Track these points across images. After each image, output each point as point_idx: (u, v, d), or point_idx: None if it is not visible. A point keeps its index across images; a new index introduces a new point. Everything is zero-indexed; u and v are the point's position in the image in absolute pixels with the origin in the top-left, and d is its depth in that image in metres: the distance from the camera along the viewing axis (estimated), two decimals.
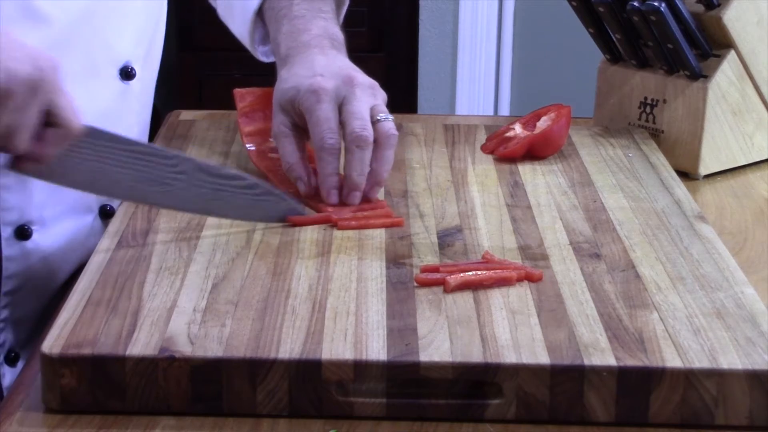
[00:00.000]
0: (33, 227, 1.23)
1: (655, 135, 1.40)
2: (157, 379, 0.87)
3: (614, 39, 1.43)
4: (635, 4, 1.35)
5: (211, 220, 1.10)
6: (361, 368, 0.86)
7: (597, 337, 0.90)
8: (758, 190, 1.35)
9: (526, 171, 1.27)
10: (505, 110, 3.32)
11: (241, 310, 0.94)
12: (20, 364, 1.25)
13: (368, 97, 1.15)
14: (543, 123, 1.31)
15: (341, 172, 1.15)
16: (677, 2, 1.35)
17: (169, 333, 0.90)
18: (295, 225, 1.10)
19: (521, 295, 0.97)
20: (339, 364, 0.86)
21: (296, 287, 0.98)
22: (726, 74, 1.36)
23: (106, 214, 1.30)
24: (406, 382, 0.87)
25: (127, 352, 0.87)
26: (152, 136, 1.38)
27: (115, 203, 1.28)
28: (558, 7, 2.45)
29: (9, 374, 1.24)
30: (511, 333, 0.91)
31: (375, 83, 1.18)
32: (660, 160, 1.31)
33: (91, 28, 1.22)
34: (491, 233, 1.10)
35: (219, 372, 0.87)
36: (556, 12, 3.10)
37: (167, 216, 1.11)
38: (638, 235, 1.10)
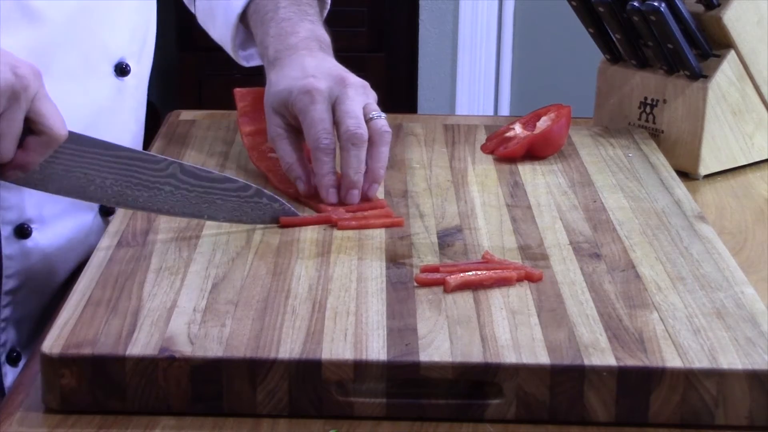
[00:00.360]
0: (32, 226, 1.23)
1: (655, 135, 1.40)
2: (157, 379, 0.87)
3: (614, 39, 1.43)
4: (635, 4, 1.35)
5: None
6: (361, 368, 0.86)
7: (597, 337, 0.90)
8: (758, 190, 1.35)
9: (526, 171, 1.27)
10: (505, 110, 3.32)
11: (241, 310, 0.94)
12: (22, 364, 1.25)
13: (360, 96, 1.16)
14: (543, 123, 1.31)
15: (338, 171, 1.15)
16: (677, 2, 1.35)
17: (169, 333, 0.90)
18: (286, 226, 1.10)
19: (521, 295, 0.97)
20: (339, 364, 0.86)
21: (296, 287, 0.98)
22: (726, 74, 1.36)
23: (106, 211, 1.30)
24: (406, 382, 0.87)
25: (127, 352, 0.87)
26: (152, 135, 1.38)
27: None
28: (558, 7, 2.45)
29: (11, 374, 1.24)
30: (511, 333, 0.91)
31: (366, 83, 1.18)
32: (660, 160, 1.31)
33: (86, 25, 1.22)
34: (491, 233, 1.10)
35: (219, 372, 0.87)
36: (556, 12, 3.10)
37: (167, 216, 1.11)
38: (638, 235, 1.10)
